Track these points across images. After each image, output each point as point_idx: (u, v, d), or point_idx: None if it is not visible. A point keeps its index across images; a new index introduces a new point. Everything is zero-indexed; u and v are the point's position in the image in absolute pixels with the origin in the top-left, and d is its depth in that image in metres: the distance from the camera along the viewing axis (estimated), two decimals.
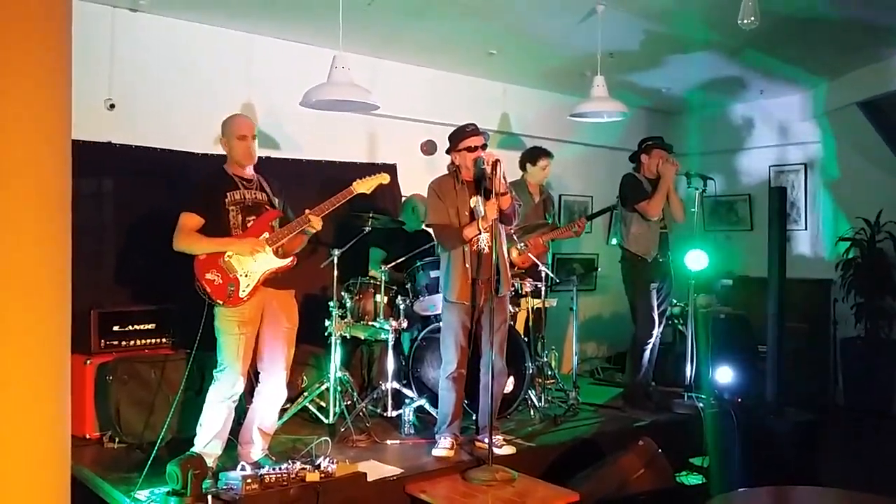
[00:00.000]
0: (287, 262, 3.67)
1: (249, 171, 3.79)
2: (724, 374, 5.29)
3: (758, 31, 4.27)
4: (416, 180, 5.38)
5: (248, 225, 3.67)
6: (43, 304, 2.05)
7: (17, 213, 1.98)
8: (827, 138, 7.01)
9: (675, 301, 5.50)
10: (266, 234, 3.64)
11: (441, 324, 4.21)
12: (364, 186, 3.83)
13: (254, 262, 3.59)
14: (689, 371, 5.14)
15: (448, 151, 4.16)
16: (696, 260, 5.11)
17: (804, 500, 3.52)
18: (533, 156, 5.63)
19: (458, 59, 6.03)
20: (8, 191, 1.96)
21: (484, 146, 4.05)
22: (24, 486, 2.03)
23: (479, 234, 3.94)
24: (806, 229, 7.23)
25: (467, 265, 4.00)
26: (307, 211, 3.68)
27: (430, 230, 4.20)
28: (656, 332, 5.16)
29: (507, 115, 6.72)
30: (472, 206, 3.97)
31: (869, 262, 6.39)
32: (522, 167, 5.65)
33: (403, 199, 5.81)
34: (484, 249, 4.01)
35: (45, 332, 2.05)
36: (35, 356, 2.03)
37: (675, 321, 6.08)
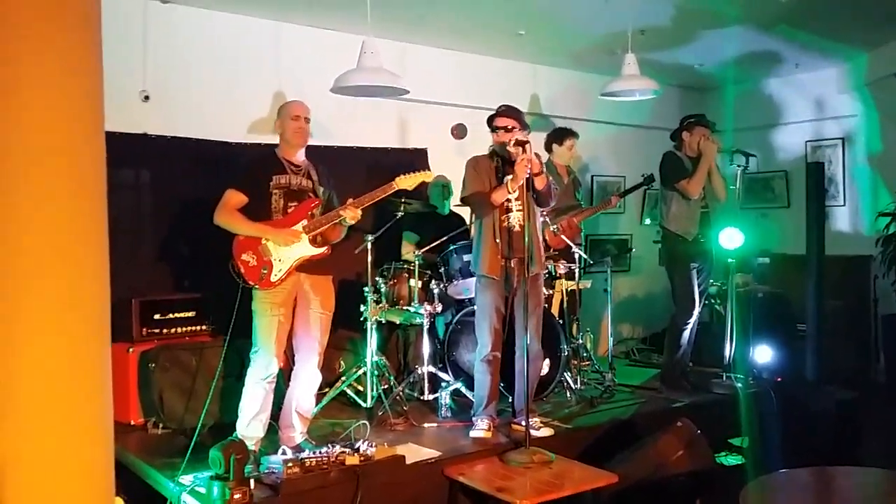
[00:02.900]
0: (322, 250, 3.72)
1: (300, 157, 3.83)
2: (763, 354, 5.23)
3: (793, 3, 4.18)
4: (446, 164, 5.36)
5: (289, 210, 3.71)
6: (81, 293, 2.07)
7: (53, 203, 1.99)
8: (868, 111, 6.84)
9: (712, 280, 5.42)
10: (304, 222, 3.69)
11: (475, 307, 4.22)
12: (407, 183, 3.84)
13: (289, 248, 3.64)
14: (727, 351, 5.08)
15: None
16: (730, 238, 4.99)
17: (845, 480, 3.47)
18: (559, 136, 5.60)
19: (487, 41, 5.99)
20: (43, 180, 1.97)
21: (521, 127, 4.03)
22: (71, 471, 2.08)
23: (509, 195, 3.93)
24: (844, 205, 7.08)
25: (497, 240, 4.00)
26: (349, 200, 3.71)
27: (466, 203, 4.20)
28: (696, 312, 5.10)
29: (538, 97, 6.66)
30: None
31: None
32: (548, 148, 5.61)
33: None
34: (515, 227, 4.01)
35: (83, 320, 2.07)
36: (74, 344, 2.06)
37: (713, 301, 6.01)
